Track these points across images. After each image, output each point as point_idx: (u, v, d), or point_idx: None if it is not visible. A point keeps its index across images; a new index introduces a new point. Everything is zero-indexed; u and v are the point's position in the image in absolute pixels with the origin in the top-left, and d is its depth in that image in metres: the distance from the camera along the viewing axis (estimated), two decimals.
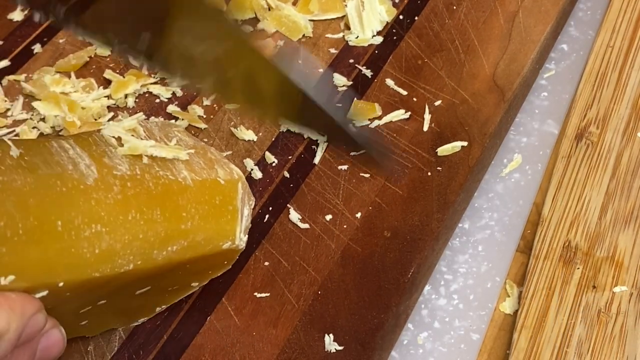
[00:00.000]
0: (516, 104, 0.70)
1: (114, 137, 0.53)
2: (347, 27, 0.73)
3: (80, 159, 0.50)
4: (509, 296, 0.62)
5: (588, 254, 0.62)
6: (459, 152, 0.64)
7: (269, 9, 0.74)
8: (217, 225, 0.53)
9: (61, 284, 0.46)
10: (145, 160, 0.52)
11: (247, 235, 0.55)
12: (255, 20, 0.74)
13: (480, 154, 0.64)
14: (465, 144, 0.65)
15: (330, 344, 0.55)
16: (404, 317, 0.59)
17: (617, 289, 0.60)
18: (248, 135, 0.66)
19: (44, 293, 0.46)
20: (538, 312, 0.59)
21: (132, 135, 0.53)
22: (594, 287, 0.60)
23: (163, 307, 0.57)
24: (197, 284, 0.56)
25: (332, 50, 0.72)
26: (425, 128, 0.66)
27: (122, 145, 0.52)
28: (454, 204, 0.62)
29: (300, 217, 0.61)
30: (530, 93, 0.73)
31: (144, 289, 0.53)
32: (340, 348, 0.55)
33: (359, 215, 0.61)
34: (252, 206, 0.57)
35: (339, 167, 0.64)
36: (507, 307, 0.62)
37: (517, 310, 0.60)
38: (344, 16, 0.74)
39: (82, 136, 0.53)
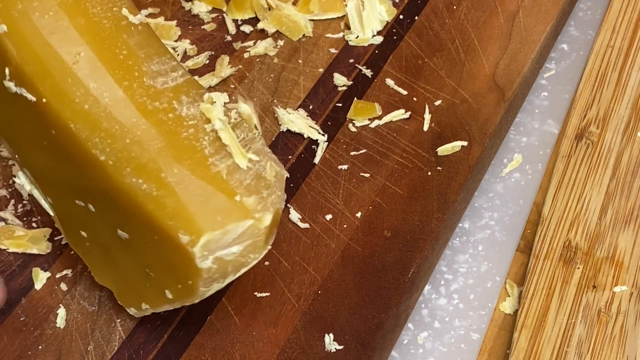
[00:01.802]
0: (516, 104, 0.70)
1: (211, 99, 0.53)
2: (347, 27, 0.73)
3: (171, 70, 0.54)
4: (509, 296, 0.62)
5: (588, 254, 0.62)
6: (459, 151, 0.64)
7: (269, 9, 0.74)
8: (181, 211, 0.49)
9: None
10: (208, 127, 0.52)
11: (217, 266, 0.50)
12: (256, 20, 0.74)
13: (480, 153, 0.64)
14: (465, 143, 0.65)
15: (331, 343, 0.55)
16: (404, 316, 0.59)
17: (617, 289, 0.60)
18: None
19: None
20: (538, 311, 0.59)
21: (225, 117, 0.52)
22: (594, 286, 0.60)
23: (147, 307, 0.55)
24: (171, 296, 0.52)
25: (332, 50, 0.72)
26: (426, 128, 0.66)
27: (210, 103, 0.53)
28: (454, 203, 0.62)
29: (300, 217, 0.61)
30: (530, 93, 0.73)
31: (121, 230, 0.52)
32: (340, 347, 0.55)
33: (359, 215, 0.61)
34: (253, 259, 0.51)
35: (339, 167, 0.64)
36: (507, 306, 0.62)
37: (517, 310, 0.60)
38: (344, 16, 0.74)
39: (199, 85, 0.54)
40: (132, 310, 0.56)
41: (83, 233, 0.55)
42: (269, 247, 0.52)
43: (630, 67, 0.73)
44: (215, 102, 0.52)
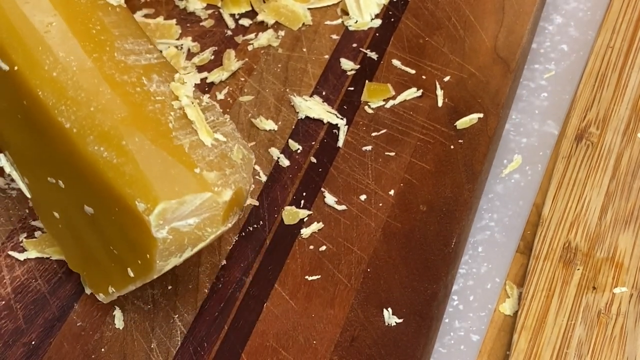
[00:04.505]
0: (519, 74, 0.72)
1: (183, 79, 0.54)
2: (344, 13, 0.74)
3: (146, 52, 0.55)
4: (508, 297, 0.62)
5: (588, 255, 0.62)
6: (476, 123, 0.66)
7: (264, 1, 0.75)
8: (139, 179, 0.50)
9: None
10: (176, 104, 0.53)
11: (172, 237, 0.50)
12: (253, 13, 0.75)
13: (496, 124, 0.66)
14: (481, 115, 0.67)
15: (390, 317, 0.57)
16: (450, 286, 0.61)
17: (617, 290, 0.60)
18: (268, 125, 0.67)
19: None
20: (538, 313, 0.59)
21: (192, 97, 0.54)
22: (594, 288, 0.60)
23: (114, 290, 0.55)
24: (132, 274, 0.53)
25: (334, 37, 0.73)
26: (440, 104, 0.68)
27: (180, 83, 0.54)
28: (481, 173, 0.64)
29: (336, 200, 0.62)
30: (530, 93, 0.73)
31: (87, 205, 0.53)
32: (400, 320, 0.57)
33: (392, 192, 0.63)
34: (210, 234, 0.52)
35: (363, 148, 0.65)
36: (507, 308, 0.62)
37: (517, 311, 0.60)
38: (339, 2, 0.75)
39: (174, 69, 0.56)
40: (101, 297, 0.56)
41: (56, 214, 0.56)
42: (230, 225, 0.53)
43: (630, 68, 0.73)
44: (186, 82, 0.54)
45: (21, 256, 0.60)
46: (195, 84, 0.68)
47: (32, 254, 0.60)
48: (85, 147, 0.51)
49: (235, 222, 0.60)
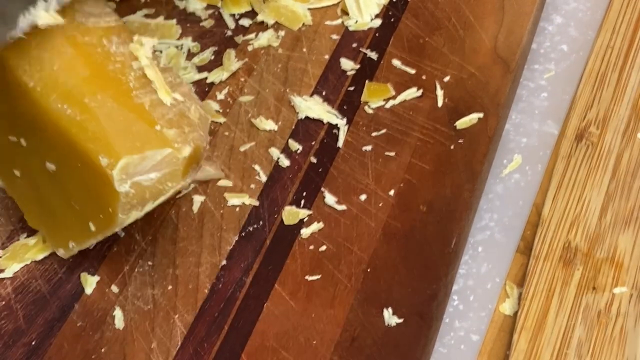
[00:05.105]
0: (519, 74, 0.72)
1: (141, 41, 0.56)
2: (344, 13, 0.74)
3: (105, 15, 0.56)
4: (508, 297, 0.62)
5: (588, 255, 0.62)
6: (476, 124, 0.66)
7: (264, 1, 0.75)
8: (101, 135, 0.52)
9: None
10: (135, 64, 0.55)
11: (134, 191, 0.52)
12: (252, 13, 0.75)
13: (497, 123, 0.66)
14: (481, 115, 0.67)
15: (390, 317, 0.57)
16: (450, 286, 0.61)
17: (617, 290, 0.60)
18: (268, 125, 0.67)
19: None
20: (538, 313, 0.59)
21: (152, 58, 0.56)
22: (593, 288, 0.60)
23: (74, 245, 0.57)
24: (94, 228, 0.55)
25: (334, 37, 0.73)
26: (440, 104, 0.68)
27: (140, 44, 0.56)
28: (481, 173, 0.64)
29: (336, 200, 0.62)
30: (530, 93, 0.73)
31: (49, 162, 0.54)
32: (400, 320, 0.57)
33: (392, 192, 0.63)
34: (170, 188, 0.54)
35: (363, 149, 0.65)
36: (507, 308, 0.62)
37: (517, 312, 0.61)
38: (339, 2, 0.75)
39: (131, 32, 0.57)
40: (60, 252, 0.58)
41: (16, 172, 0.57)
42: (189, 180, 0.54)
43: (630, 68, 0.73)
44: (144, 44, 0.55)
45: (6, 274, 0.59)
46: (196, 84, 0.68)
47: (13, 268, 0.59)
48: (48, 105, 0.52)
49: (236, 222, 0.61)
